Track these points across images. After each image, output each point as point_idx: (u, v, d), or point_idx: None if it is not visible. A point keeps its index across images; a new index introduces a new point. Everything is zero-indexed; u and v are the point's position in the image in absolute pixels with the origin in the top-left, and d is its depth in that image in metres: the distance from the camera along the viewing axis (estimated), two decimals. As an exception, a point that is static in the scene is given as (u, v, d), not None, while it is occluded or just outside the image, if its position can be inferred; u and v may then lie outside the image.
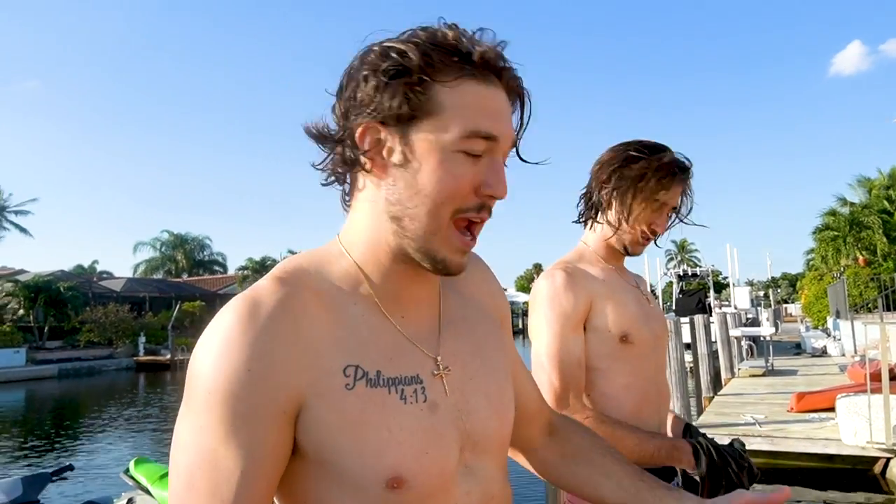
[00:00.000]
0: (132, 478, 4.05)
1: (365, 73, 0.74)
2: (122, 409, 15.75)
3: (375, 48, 0.75)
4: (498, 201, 0.79)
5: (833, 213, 29.07)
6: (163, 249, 48.33)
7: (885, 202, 27.81)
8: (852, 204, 29.06)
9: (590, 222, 1.64)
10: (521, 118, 0.81)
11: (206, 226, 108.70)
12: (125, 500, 4.06)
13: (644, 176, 1.51)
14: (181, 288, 39.01)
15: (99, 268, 50.89)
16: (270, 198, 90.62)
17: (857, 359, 12.26)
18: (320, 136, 0.80)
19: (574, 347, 1.50)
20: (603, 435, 1.37)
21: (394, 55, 0.73)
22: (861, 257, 26.65)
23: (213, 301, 38.94)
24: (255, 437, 0.69)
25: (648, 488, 0.98)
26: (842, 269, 27.10)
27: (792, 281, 69.61)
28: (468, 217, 0.78)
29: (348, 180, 0.83)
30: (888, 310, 18.67)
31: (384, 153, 0.76)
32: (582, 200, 1.66)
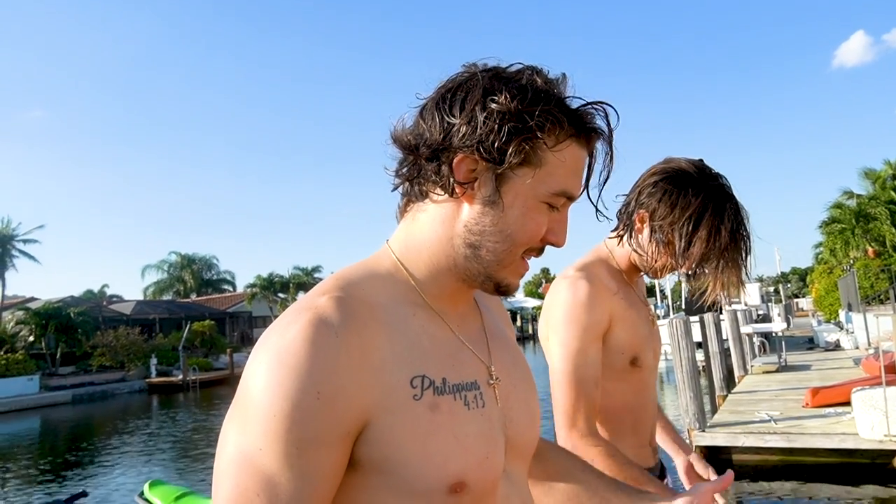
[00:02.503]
0: (147, 501, 4.06)
1: (480, 108, 0.76)
2: (136, 432, 15.77)
3: (496, 84, 0.76)
4: None
5: (839, 205, 28.94)
6: (171, 271, 48.49)
7: (893, 193, 27.65)
8: (859, 196, 28.92)
9: (624, 237, 1.52)
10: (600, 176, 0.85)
11: (212, 245, 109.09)
12: (140, 524, 4.06)
13: (690, 240, 1.38)
14: (190, 308, 39.13)
15: (109, 292, 51.24)
16: (274, 215, 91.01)
17: (871, 351, 12.16)
18: (409, 145, 0.80)
19: (592, 367, 1.43)
20: (609, 469, 1.29)
21: (515, 103, 0.75)
22: (870, 249, 26.49)
23: (223, 320, 39.10)
24: (318, 461, 0.68)
25: (626, 496, 1.03)
26: (851, 261, 26.95)
27: (802, 275, 69.23)
28: (528, 256, 0.84)
29: (419, 193, 0.83)
30: (900, 300, 18.52)
31: (475, 185, 0.79)
32: (623, 211, 1.53)
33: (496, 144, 0.75)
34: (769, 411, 8.29)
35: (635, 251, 1.50)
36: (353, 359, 0.70)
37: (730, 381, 12.75)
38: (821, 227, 29.68)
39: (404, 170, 0.83)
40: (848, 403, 7.37)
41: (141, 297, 45.56)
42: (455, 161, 0.77)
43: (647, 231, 1.46)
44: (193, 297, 46.57)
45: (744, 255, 1.41)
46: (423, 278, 0.84)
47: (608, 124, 0.80)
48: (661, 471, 1.55)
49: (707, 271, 1.39)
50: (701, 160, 1.47)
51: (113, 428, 16.93)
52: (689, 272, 1.42)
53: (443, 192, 0.80)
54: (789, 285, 67.86)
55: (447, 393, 0.77)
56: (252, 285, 44.32)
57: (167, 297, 47.00)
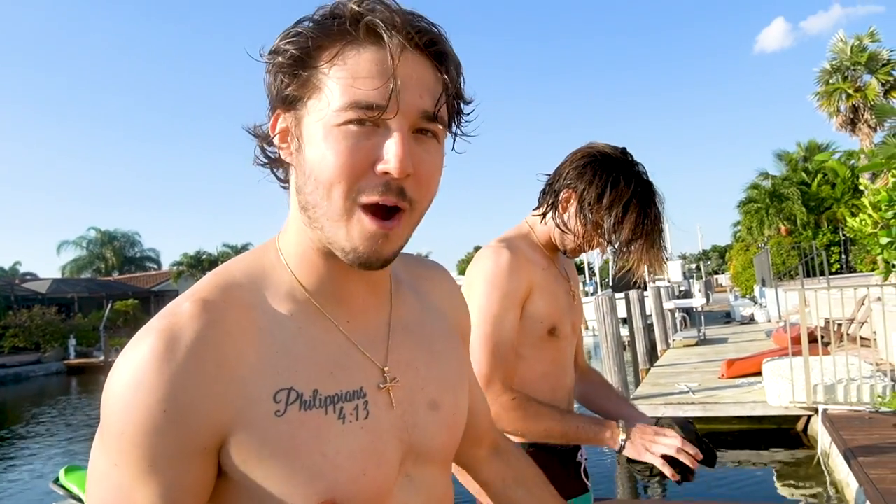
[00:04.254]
0: (63, 487, 3.89)
1: (267, 63, 0.73)
2: (53, 416, 15.09)
3: (282, 38, 0.73)
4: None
5: (756, 186, 30.35)
6: (90, 248, 46.19)
7: (803, 174, 29.22)
8: (773, 177, 30.41)
9: (547, 216, 1.58)
10: (447, 83, 0.72)
11: (135, 221, 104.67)
12: (55, 511, 3.90)
13: (620, 222, 1.45)
14: (112, 287, 37.45)
15: (22, 269, 48.34)
16: (202, 189, 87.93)
17: (781, 324, 12.92)
18: (255, 133, 0.78)
19: (509, 332, 1.50)
20: (530, 414, 1.46)
21: (278, 42, 0.72)
22: (783, 227, 28.00)
23: (148, 299, 37.62)
24: (172, 476, 0.66)
25: None
26: (766, 239, 28.43)
27: (721, 253, 72.51)
28: (375, 201, 0.68)
29: (284, 176, 0.79)
30: (808, 276, 19.74)
31: (288, 140, 0.73)
32: (548, 191, 1.58)
33: (274, 89, 0.72)
34: (688, 383, 8.71)
35: (559, 228, 1.55)
36: (207, 373, 0.66)
37: (652, 355, 13.30)
38: (739, 206, 31.05)
39: (262, 158, 0.79)
40: (760, 374, 7.83)
41: (58, 276, 43.29)
42: (270, 124, 0.75)
43: (572, 210, 1.52)
44: (115, 275, 44.60)
45: (663, 237, 1.51)
46: (300, 267, 0.76)
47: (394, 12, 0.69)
48: (575, 446, 1.60)
49: (632, 250, 1.46)
50: (623, 148, 1.54)
51: (27, 412, 16.12)
52: (616, 251, 1.49)
53: (282, 165, 0.77)
54: (710, 262, 71.08)
55: (317, 407, 0.71)
56: (178, 263, 42.84)
57: (87, 275, 44.83)
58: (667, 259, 1.54)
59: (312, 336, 0.74)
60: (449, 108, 0.73)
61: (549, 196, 1.57)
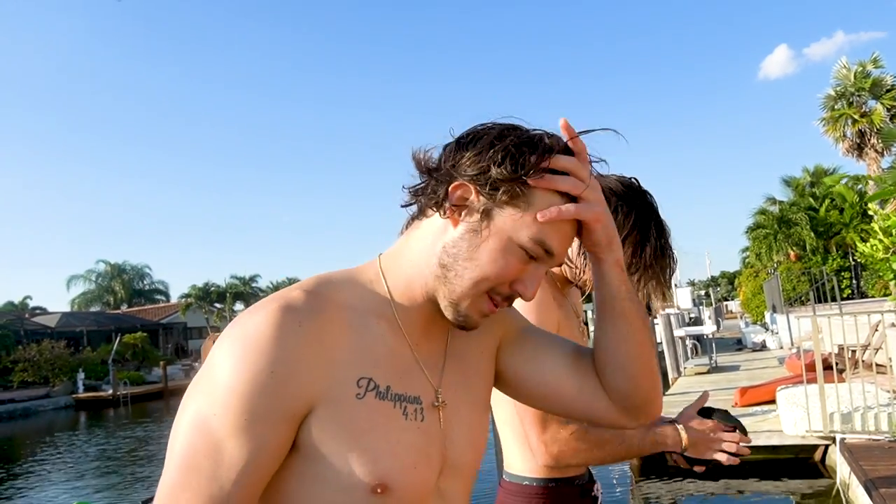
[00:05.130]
0: (72, 524, 3.86)
1: (488, 146, 0.81)
2: (62, 451, 15.00)
3: (508, 131, 0.83)
4: None
5: (763, 211, 30.32)
6: (99, 281, 46.48)
7: (811, 199, 29.19)
8: (781, 202, 30.38)
9: None
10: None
11: (144, 255, 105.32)
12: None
13: (633, 258, 1.44)
14: (121, 320, 37.56)
15: (31, 304, 48.55)
16: (210, 222, 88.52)
17: (794, 351, 12.77)
18: (422, 166, 0.87)
19: None
20: (594, 444, 1.47)
21: (516, 147, 0.81)
22: (792, 253, 27.87)
23: (157, 331, 37.68)
24: (264, 436, 0.74)
25: None
26: (775, 265, 28.27)
27: (730, 279, 72.10)
28: (498, 303, 0.86)
29: (419, 211, 0.89)
30: (819, 302, 19.56)
31: (465, 211, 0.83)
32: None
33: (490, 178, 0.80)
34: (701, 411, 8.57)
35: (565, 263, 1.53)
36: (311, 349, 0.76)
37: (664, 383, 13.14)
38: (747, 232, 31.01)
39: (416, 189, 0.89)
40: (774, 401, 7.72)
41: (67, 309, 43.45)
42: (453, 185, 0.83)
43: (576, 244, 1.49)
44: (124, 308, 44.76)
45: (667, 270, 1.49)
46: (399, 291, 0.89)
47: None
48: (589, 476, 1.59)
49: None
50: (632, 179, 1.51)
51: (36, 447, 16.05)
52: None
53: (435, 211, 0.85)
54: (719, 288, 70.70)
55: (388, 399, 0.82)
56: (187, 295, 43.00)
57: (96, 308, 45.01)
58: (668, 293, 1.51)
59: (390, 345, 0.86)
60: None
61: None
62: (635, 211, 1.46)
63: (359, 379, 0.80)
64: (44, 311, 41.42)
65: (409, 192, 0.89)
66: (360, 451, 0.78)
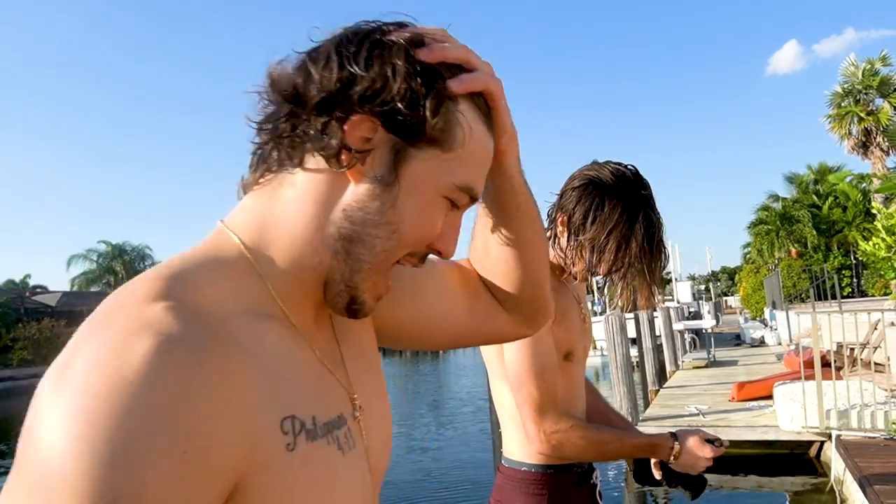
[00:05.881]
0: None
1: (402, 60, 0.59)
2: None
3: (417, 37, 0.61)
4: None
5: (766, 208, 30.30)
6: (100, 261, 46.50)
7: (814, 196, 29.14)
8: (783, 199, 30.34)
9: (554, 240, 1.51)
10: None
11: (145, 235, 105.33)
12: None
13: (601, 252, 1.42)
14: (121, 300, 37.58)
15: (31, 282, 48.66)
16: (211, 201, 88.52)
17: (792, 347, 12.79)
18: (291, 92, 0.60)
19: (550, 355, 1.45)
20: (589, 439, 1.47)
21: (435, 60, 0.61)
22: (793, 250, 27.86)
23: (156, 313, 37.64)
24: None
25: None
26: (776, 261, 28.27)
27: (731, 274, 72.15)
28: (414, 263, 0.68)
29: (289, 158, 0.62)
30: (819, 299, 19.59)
31: (368, 159, 0.60)
32: (550, 214, 1.53)
33: (412, 111, 0.58)
34: (698, 405, 8.60)
35: (557, 253, 1.52)
36: (221, 397, 0.50)
37: (662, 376, 13.18)
38: (749, 227, 30.98)
39: (277, 124, 0.61)
40: (770, 397, 7.74)
41: (68, 289, 43.54)
42: (351, 120, 0.59)
43: (566, 235, 1.48)
44: (125, 288, 44.75)
45: (656, 267, 1.45)
46: (281, 278, 0.63)
47: None
48: (588, 463, 1.59)
49: (615, 280, 1.44)
50: (629, 167, 1.49)
51: (35, 425, 16.10)
52: (604, 278, 1.47)
53: (323, 160, 0.60)
54: (719, 283, 70.66)
55: (320, 436, 0.59)
56: (187, 277, 42.96)
57: (97, 288, 45.08)
58: (655, 290, 1.48)
59: (292, 357, 0.61)
60: None
61: (548, 219, 1.53)
62: (622, 203, 1.42)
63: (282, 421, 0.55)
64: (44, 290, 41.53)
65: (266, 130, 0.63)
66: None
